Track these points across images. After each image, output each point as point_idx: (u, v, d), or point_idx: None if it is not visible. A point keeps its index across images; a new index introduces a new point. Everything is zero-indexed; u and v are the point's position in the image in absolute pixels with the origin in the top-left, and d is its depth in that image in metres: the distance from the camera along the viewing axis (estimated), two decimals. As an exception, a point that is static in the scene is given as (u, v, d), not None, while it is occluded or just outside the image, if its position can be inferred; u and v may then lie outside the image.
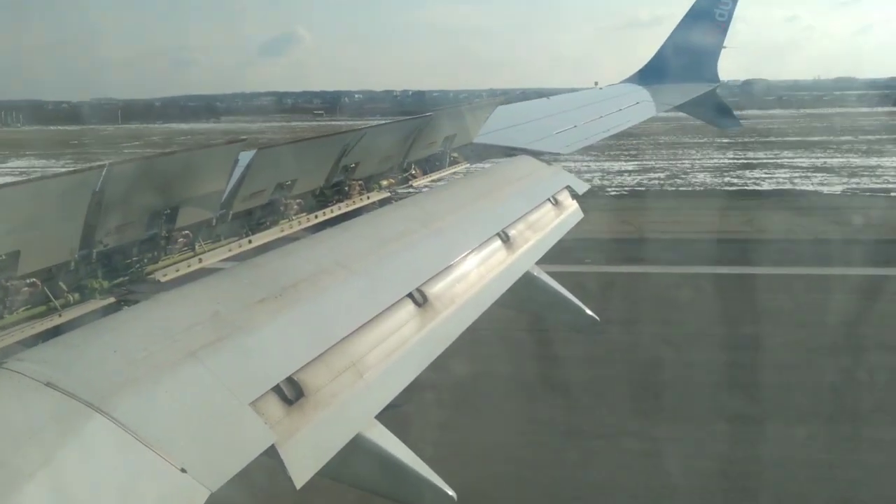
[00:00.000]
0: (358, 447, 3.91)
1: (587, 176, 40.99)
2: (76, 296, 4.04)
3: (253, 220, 5.55)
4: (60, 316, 3.89)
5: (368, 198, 6.97)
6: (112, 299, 4.18)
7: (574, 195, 8.86)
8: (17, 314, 3.74)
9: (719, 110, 20.58)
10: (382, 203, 7.02)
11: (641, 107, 16.30)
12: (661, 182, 45.81)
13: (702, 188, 43.65)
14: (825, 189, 42.04)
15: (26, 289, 3.74)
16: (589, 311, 7.98)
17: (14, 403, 2.75)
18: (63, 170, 4.27)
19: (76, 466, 2.67)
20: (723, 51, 19.49)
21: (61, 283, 3.99)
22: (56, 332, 3.73)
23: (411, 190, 7.78)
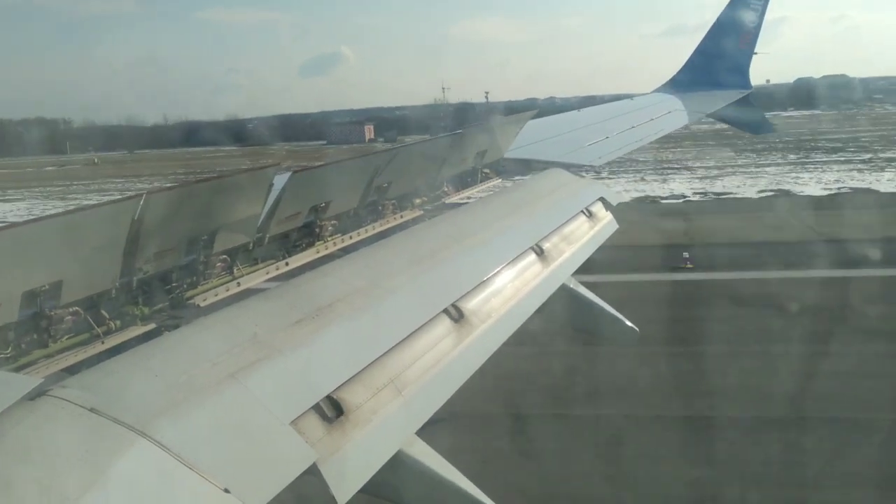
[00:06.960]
0: (399, 464, 3.89)
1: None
2: (118, 323, 4.12)
3: (289, 243, 5.61)
4: (103, 343, 3.96)
5: (402, 216, 7.00)
6: (153, 325, 4.25)
7: (608, 206, 8.78)
8: (61, 342, 3.82)
9: (752, 116, 20.30)
10: (416, 221, 7.04)
11: (674, 116, 16.13)
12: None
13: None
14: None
15: (69, 317, 3.83)
16: (628, 323, 7.88)
17: (60, 429, 2.79)
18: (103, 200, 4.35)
19: (122, 490, 2.70)
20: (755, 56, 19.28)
21: (103, 311, 4.07)
22: (99, 358, 3.79)
23: (444, 207, 7.80)
